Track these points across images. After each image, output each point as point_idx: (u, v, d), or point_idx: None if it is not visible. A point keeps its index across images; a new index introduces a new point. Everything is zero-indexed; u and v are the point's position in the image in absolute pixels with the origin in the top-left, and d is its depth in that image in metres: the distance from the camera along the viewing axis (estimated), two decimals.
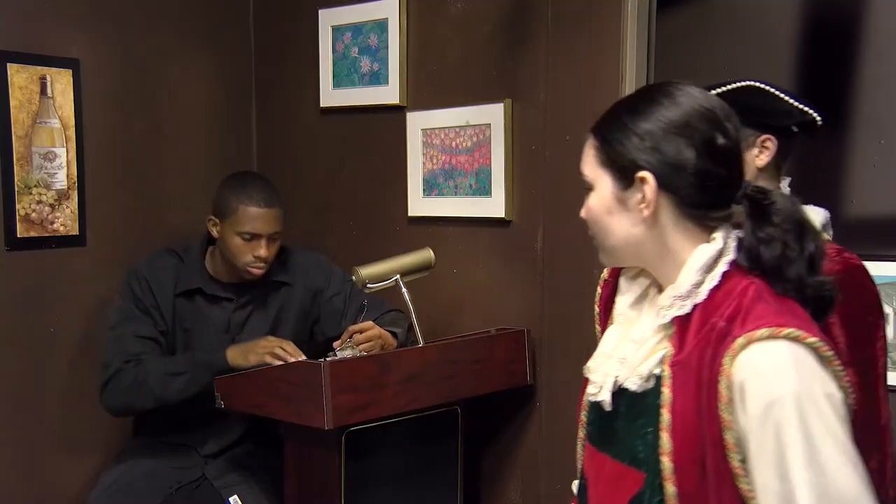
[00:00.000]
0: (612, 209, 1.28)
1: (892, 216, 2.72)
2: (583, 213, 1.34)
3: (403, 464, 2.33)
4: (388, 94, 2.81)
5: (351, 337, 2.33)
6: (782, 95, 1.90)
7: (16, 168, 2.53)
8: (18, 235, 2.54)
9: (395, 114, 2.82)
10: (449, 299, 2.69)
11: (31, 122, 2.57)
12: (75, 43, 2.67)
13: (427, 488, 2.39)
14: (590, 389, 1.36)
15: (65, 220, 2.65)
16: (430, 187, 2.76)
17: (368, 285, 2.27)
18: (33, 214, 2.57)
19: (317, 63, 3.00)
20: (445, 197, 2.71)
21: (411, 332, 2.40)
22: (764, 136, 1.88)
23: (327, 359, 2.18)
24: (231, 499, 2.36)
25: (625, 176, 1.25)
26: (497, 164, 2.57)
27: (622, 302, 1.38)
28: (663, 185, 1.22)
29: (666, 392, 1.23)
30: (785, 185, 1.94)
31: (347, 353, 2.26)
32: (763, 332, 1.14)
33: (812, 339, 1.13)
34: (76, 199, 2.67)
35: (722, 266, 1.23)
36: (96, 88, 2.72)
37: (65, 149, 2.65)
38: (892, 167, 2.71)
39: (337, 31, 2.94)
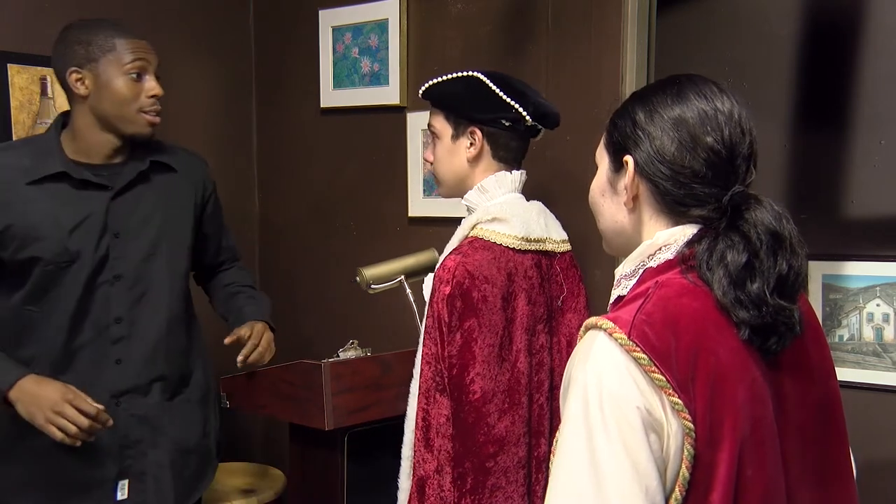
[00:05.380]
0: (605, 191, 1.30)
1: (892, 216, 2.72)
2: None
3: None
4: (389, 94, 2.81)
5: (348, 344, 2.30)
6: (495, 88, 1.91)
7: None
8: None
9: (395, 114, 2.82)
10: None
11: (31, 123, 2.57)
12: None
13: None
14: None
15: None
16: (431, 187, 2.76)
17: (372, 286, 2.26)
18: None
19: (317, 63, 3.00)
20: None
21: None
22: (471, 127, 1.93)
23: (329, 360, 2.18)
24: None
25: (617, 159, 1.26)
26: None
27: None
28: (641, 171, 1.21)
29: None
30: (512, 178, 1.97)
31: (350, 354, 2.26)
32: (592, 320, 1.14)
33: (618, 336, 1.09)
34: None
35: (652, 262, 1.21)
36: None
37: None
38: (892, 167, 2.72)
39: (337, 31, 2.94)
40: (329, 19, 2.96)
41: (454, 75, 1.97)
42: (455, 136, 1.96)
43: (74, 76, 1.98)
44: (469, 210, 1.98)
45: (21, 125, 2.55)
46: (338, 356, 2.26)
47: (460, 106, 1.95)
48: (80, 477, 2.03)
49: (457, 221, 2.00)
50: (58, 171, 1.97)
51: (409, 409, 1.90)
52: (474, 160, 1.95)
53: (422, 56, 2.77)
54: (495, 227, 1.89)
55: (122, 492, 2.07)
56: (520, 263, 1.89)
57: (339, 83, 2.96)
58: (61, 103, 2.63)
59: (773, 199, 1.23)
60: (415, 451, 1.85)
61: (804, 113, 2.87)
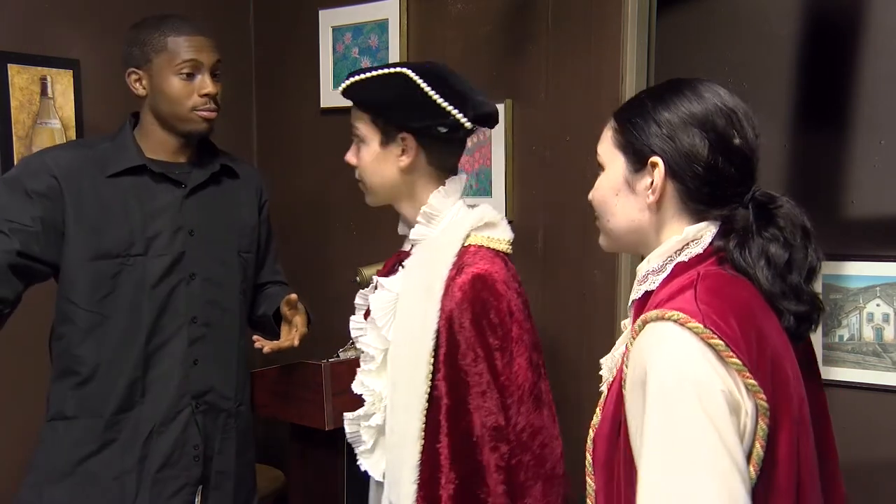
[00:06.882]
0: (620, 191, 1.30)
1: (892, 216, 2.72)
2: (590, 195, 1.36)
3: None
4: None
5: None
6: (430, 91, 1.65)
7: None
8: None
9: None
10: None
11: (31, 123, 2.57)
12: (75, 43, 2.67)
13: None
14: (601, 384, 1.41)
15: None
16: None
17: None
18: None
19: (317, 63, 3.00)
20: None
21: None
22: (403, 134, 1.68)
23: (329, 360, 2.18)
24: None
25: (638, 159, 1.27)
26: (497, 164, 2.57)
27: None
28: (672, 173, 1.24)
29: (615, 372, 1.31)
30: (460, 180, 1.75)
31: (350, 354, 2.25)
32: (654, 313, 1.16)
33: (693, 325, 1.11)
34: None
35: (682, 257, 1.24)
36: (96, 89, 2.72)
37: None
38: (892, 167, 2.72)
39: (337, 31, 2.94)
40: (329, 19, 2.96)
41: (380, 72, 1.71)
42: (384, 143, 1.71)
43: (133, 77, 2.01)
44: (428, 218, 1.73)
45: (21, 125, 2.55)
46: (338, 356, 2.26)
47: (389, 111, 1.69)
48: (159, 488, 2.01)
49: None
50: (137, 165, 1.99)
51: (406, 452, 1.62)
52: (408, 169, 1.71)
53: (422, 56, 2.76)
54: (490, 233, 1.72)
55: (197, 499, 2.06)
56: (514, 269, 1.77)
57: (339, 83, 2.94)
58: (61, 103, 2.64)
59: None
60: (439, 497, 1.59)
61: (804, 113, 2.87)
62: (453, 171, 1.75)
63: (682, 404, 1.08)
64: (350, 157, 1.80)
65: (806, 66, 2.86)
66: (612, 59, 2.37)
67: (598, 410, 1.30)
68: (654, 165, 1.24)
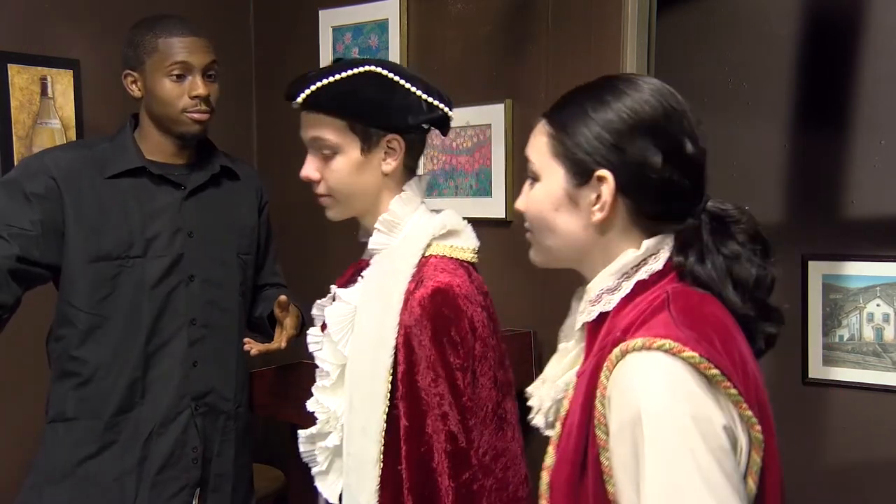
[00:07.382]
0: (560, 206, 1.15)
1: (892, 216, 2.72)
2: (520, 205, 1.21)
3: None
4: None
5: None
6: (408, 85, 1.55)
7: None
8: None
9: None
10: None
11: (31, 123, 2.57)
12: (75, 43, 2.68)
13: None
14: (531, 415, 1.28)
15: None
16: (431, 188, 2.76)
17: None
18: None
19: (317, 63, 3.00)
20: (446, 198, 2.71)
21: None
22: (389, 137, 1.56)
23: None
24: None
25: (581, 172, 1.12)
26: (497, 164, 2.57)
27: (569, 323, 1.27)
28: (623, 188, 1.10)
29: (565, 405, 1.16)
30: (415, 187, 1.63)
31: None
32: (637, 342, 1.01)
33: (689, 354, 0.98)
34: None
35: (641, 274, 1.12)
36: (96, 89, 2.72)
37: None
38: (892, 167, 2.72)
39: (337, 31, 2.94)
40: (329, 19, 2.96)
41: (347, 73, 1.56)
42: (366, 150, 1.57)
43: (129, 79, 2.01)
44: (389, 227, 1.60)
45: (21, 125, 2.55)
46: None
47: (373, 113, 1.56)
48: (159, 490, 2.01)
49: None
50: (137, 167, 1.99)
51: (365, 477, 1.51)
52: (392, 173, 1.59)
53: (422, 56, 2.77)
54: (453, 242, 1.58)
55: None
56: (480, 280, 1.61)
57: None
58: (61, 103, 2.64)
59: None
60: None
61: (804, 113, 2.87)
62: (415, 172, 1.65)
63: (686, 447, 0.96)
64: (311, 173, 1.65)
65: (806, 66, 2.86)
66: (612, 59, 2.37)
67: (550, 450, 1.15)
68: (602, 180, 1.10)
